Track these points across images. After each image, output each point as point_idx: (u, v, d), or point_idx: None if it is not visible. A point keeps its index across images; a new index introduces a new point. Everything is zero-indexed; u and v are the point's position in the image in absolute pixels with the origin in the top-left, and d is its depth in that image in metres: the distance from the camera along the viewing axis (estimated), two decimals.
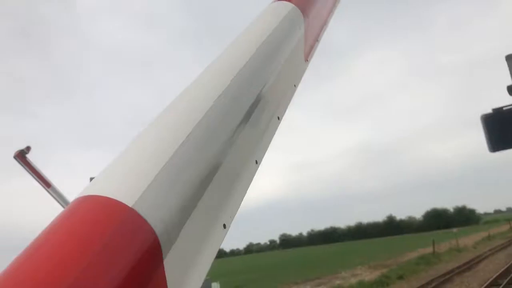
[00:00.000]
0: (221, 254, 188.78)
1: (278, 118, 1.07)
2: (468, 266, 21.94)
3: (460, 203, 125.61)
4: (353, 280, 19.46)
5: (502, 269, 18.29)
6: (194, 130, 0.89)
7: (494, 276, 16.59)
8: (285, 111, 1.11)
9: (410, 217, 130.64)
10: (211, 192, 0.89)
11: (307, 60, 1.27)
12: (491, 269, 19.75)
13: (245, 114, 0.97)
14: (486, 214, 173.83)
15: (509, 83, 7.43)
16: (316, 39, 1.39)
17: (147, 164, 0.87)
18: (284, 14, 1.15)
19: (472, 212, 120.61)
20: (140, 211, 0.80)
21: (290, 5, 1.19)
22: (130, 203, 0.80)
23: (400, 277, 20.81)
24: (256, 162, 0.98)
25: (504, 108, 7.55)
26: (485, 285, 14.90)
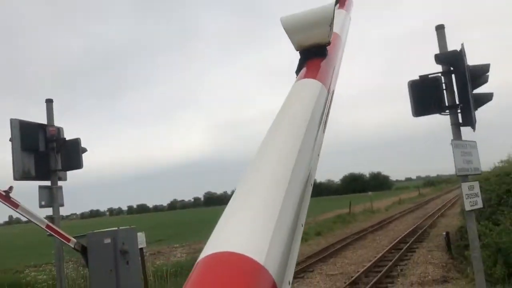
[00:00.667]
0: (144, 209, 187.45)
1: (311, 185, 1.11)
2: (380, 225, 23.69)
3: (375, 170, 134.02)
4: None
5: (410, 229, 19.97)
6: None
7: (403, 235, 18.09)
8: (313, 178, 1.16)
9: (329, 180, 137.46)
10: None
11: (324, 132, 1.32)
12: (400, 229, 21.50)
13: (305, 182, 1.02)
14: (398, 181, 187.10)
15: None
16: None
17: (264, 215, 0.83)
18: (317, 93, 1.18)
19: (386, 178, 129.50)
20: (267, 266, 0.75)
21: (319, 84, 1.21)
22: (261, 261, 0.74)
23: (318, 234, 22.05)
24: (302, 225, 1.02)
25: (430, 76, 8.03)
26: (394, 242, 16.20)
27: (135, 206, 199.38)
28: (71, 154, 9.52)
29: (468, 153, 7.90)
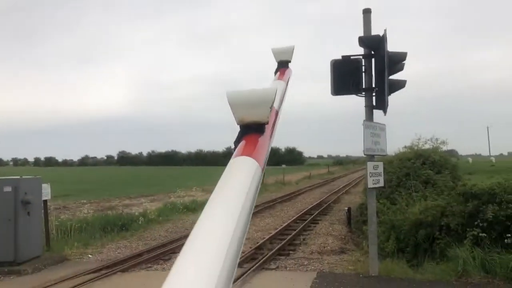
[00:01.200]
0: (52, 162, 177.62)
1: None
2: (289, 197, 24.70)
3: (291, 145, 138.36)
4: (187, 199, 20.32)
5: (316, 202, 21.06)
6: None
7: (309, 207, 19.05)
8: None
9: None
10: None
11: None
12: (307, 201, 22.58)
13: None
14: (310, 158, 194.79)
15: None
16: None
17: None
18: (253, 173, 1.23)
19: (299, 154, 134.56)
20: None
21: (255, 163, 1.26)
22: None
23: None
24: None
25: (352, 57, 8.38)
26: (300, 213, 17.02)
27: (42, 159, 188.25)
28: None
29: (377, 135, 8.43)
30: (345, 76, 8.22)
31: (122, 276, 8.16)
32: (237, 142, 1.42)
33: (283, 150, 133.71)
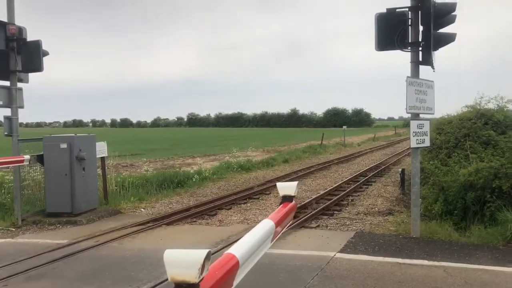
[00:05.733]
0: (127, 123, 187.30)
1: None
2: (347, 159, 24.32)
3: (359, 107, 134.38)
4: (242, 159, 20.69)
5: (374, 164, 20.60)
6: None
7: (365, 169, 18.69)
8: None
9: (312, 113, 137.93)
10: None
11: None
12: (365, 163, 22.13)
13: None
14: (380, 119, 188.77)
15: None
16: None
17: None
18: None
19: (367, 115, 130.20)
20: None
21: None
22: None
23: (285, 161, 22.60)
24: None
25: (397, 10, 7.89)
26: (355, 174, 16.78)
27: (118, 120, 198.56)
28: (32, 55, 9.33)
29: (423, 92, 8.01)
30: (390, 30, 7.79)
31: (166, 229, 8.62)
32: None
33: (350, 111, 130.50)
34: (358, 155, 26.92)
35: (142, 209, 10.86)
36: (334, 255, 6.60)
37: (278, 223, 2.89)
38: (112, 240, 7.53)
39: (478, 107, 14.86)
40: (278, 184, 3.17)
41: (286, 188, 3.15)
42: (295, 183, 3.16)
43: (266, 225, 2.63)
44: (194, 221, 9.50)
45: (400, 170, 14.31)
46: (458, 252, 6.76)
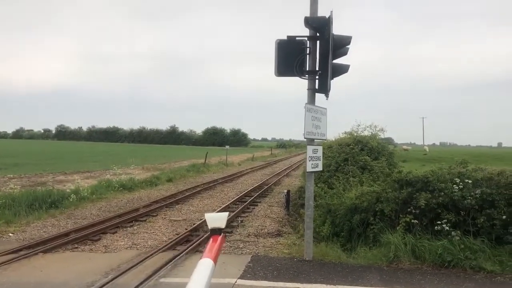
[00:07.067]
0: None
1: None
2: (231, 178, 24.53)
3: (237, 127, 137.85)
4: (124, 177, 19.56)
5: (257, 184, 21.03)
6: None
7: (249, 189, 18.96)
8: None
9: (191, 130, 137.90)
10: None
11: None
12: (249, 183, 22.52)
13: None
14: (255, 140, 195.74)
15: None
16: None
17: None
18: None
19: (244, 135, 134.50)
20: None
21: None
22: None
23: (170, 180, 21.96)
24: None
25: (297, 38, 8.15)
26: (240, 195, 16.89)
27: None
28: None
29: (318, 119, 8.32)
30: (289, 57, 7.99)
31: (44, 257, 7.60)
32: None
33: (228, 131, 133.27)
34: (241, 175, 27.32)
35: (11, 234, 9.50)
36: (236, 281, 6.40)
37: (215, 261, 2.65)
38: None
39: (355, 134, 16.20)
40: (207, 215, 2.92)
41: (216, 220, 2.91)
42: (225, 214, 2.94)
43: (208, 266, 2.36)
44: (76, 248, 8.55)
45: (285, 191, 14.78)
46: (350, 274, 7.04)
